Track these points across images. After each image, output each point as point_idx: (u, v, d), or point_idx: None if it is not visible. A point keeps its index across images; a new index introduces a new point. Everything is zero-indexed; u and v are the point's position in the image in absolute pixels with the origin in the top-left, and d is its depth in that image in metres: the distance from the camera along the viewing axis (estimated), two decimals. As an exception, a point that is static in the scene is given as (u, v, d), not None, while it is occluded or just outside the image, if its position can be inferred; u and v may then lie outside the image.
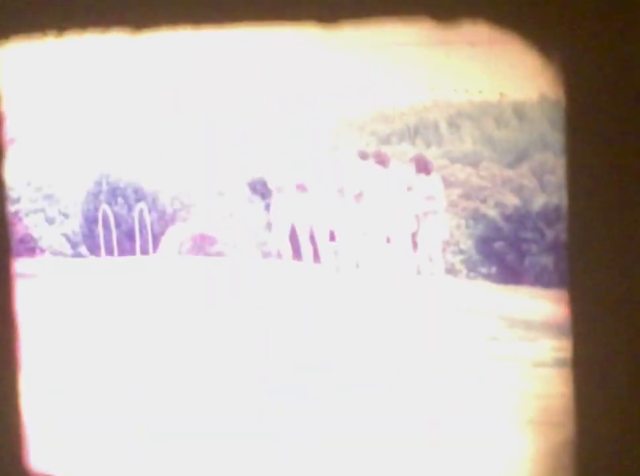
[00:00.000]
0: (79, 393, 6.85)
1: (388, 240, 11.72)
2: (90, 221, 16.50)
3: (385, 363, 8.20)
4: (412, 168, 11.39)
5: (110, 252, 14.85)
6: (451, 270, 13.73)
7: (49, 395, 6.37)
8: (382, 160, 11.71)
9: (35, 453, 2.06)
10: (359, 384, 7.36)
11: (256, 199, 17.28)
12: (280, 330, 9.85)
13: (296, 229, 13.01)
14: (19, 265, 1.98)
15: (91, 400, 6.70)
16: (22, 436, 1.97)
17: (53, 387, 6.84)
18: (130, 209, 16.19)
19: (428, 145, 17.17)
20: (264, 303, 11.05)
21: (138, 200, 15.94)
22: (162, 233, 16.69)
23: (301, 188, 12.78)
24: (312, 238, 13.11)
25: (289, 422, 6.26)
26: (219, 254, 16.52)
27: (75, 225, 17.04)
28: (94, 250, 16.05)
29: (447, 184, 11.85)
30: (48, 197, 17.02)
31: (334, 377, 7.51)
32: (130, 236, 15.30)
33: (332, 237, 13.61)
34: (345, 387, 7.20)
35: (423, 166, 11.39)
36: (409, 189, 11.41)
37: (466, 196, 16.32)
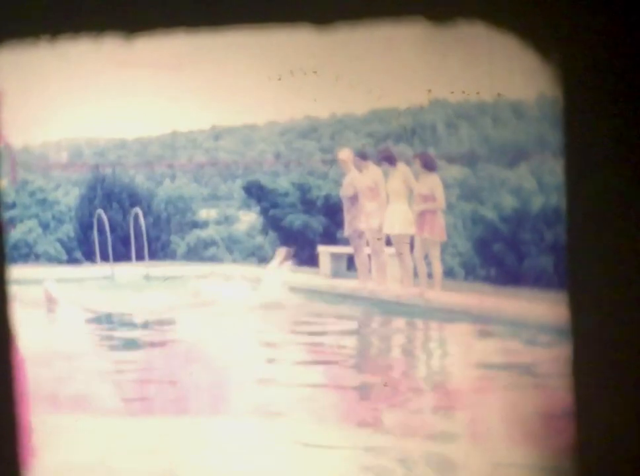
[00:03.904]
0: (77, 401, 6.81)
1: (387, 241, 11.68)
2: (85, 226, 16.49)
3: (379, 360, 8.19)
4: (416, 164, 11.35)
5: (105, 257, 14.82)
6: (449, 273, 13.72)
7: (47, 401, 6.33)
8: (389, 157, 11.69)
9: (31, 457, 2.03)
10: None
11: (252, 202, 17.27)
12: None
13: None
14: (14, 272, 1.94)
15: (88, 405, 6.67)
16: (18, 442, 1.94)
17: (50, 393, 6.82)
18: (125, 213, 16.19)
19: (426, 146, 17.18)
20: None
21: (133, 205, 15.93)
22: (157, 238, 16.66)
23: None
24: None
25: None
26: (214, 258, 16.51)
27: (69, 230, 17.04)
28: (89, 255, 16.03)
29: (445, 185, 11.81)
30: (42, 202, 17.02)
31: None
32: (125, 241, 15.29)
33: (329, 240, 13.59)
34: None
35: (428, 162, 11.35)
36: (410, 188, 11.38)
37: (464, 197, 16.33)
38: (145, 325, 10.07)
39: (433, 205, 11.32)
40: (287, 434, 5.77)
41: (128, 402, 6.72)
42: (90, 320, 10.32)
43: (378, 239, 11.80)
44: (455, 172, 17.00)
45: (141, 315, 10.48)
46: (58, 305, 10.65)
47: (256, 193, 16.91)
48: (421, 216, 11.31)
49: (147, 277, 13.53)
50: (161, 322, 10.07)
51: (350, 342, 9.42)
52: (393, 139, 16.13)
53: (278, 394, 6.74)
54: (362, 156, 12.26)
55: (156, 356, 8.52)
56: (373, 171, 11.96)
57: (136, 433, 5.85)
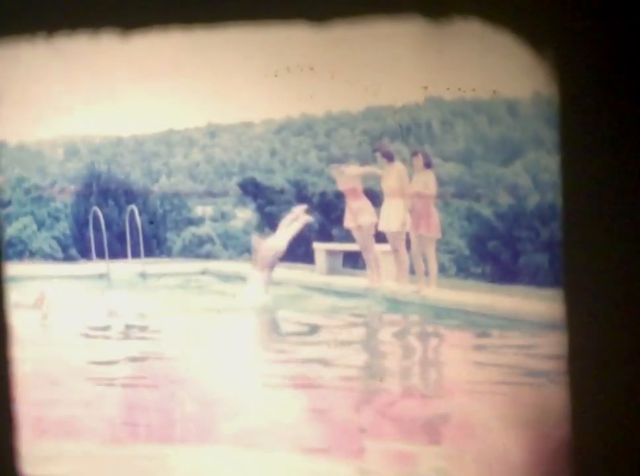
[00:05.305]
0: (71, 400, 6.79)
1: (382, 238, 11.68)
2: (80, 223, 16.47)
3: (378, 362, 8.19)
4: (418, 161, 11.33)
5: (100, 254, 14.80)
6: (444, 269, 13.73)
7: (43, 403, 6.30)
8: (387, 153, 11.68)
9: (27, 458, 2.03)
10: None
11: (248, 199, 17.27)
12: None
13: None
14: (9, 269, 1.94)
15: (84, 406, 6.64)
16: (14, 440, 1.94)
17: (47, 391, 6.79)
18: (121, 211, 16.17)
19: (421, 144, 17.18)
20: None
21: (129, 202, 15.92)
22: (153, 235, 16.64)
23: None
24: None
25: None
26: (210, 255, 16.49)
27: (65, 227, 17.02)
28: (84, 252, 16.02)
29: (441, 182, 11.82)
30: (37, 199, 17.00)
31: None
32: (121, 238, 15.27)
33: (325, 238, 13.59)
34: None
35: (428, 160, 11.35)
36: (406, 185, 11.37)
37: (459, 195, 16.34)
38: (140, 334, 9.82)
39: (428, 201, 11.31)
40: (272, 462, 5.66)
41: (119, 428, 6.49)
42: (85, 334, 9.93)
43: (369, 236, 11.81)
44: (451, 169, 17.01)
45: (137, 318, 10.36)
46: (50, 314, 10.38)
47: (252, 190, 16.91)
48: (417, 213, 11.31)
49: (143, 275, 13.51)
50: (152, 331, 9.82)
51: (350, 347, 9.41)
52: (388, 137, 16.14)
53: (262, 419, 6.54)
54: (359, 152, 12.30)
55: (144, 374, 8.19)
56: (354, 171, 12.02)
57: (126, 460, 5.70)
